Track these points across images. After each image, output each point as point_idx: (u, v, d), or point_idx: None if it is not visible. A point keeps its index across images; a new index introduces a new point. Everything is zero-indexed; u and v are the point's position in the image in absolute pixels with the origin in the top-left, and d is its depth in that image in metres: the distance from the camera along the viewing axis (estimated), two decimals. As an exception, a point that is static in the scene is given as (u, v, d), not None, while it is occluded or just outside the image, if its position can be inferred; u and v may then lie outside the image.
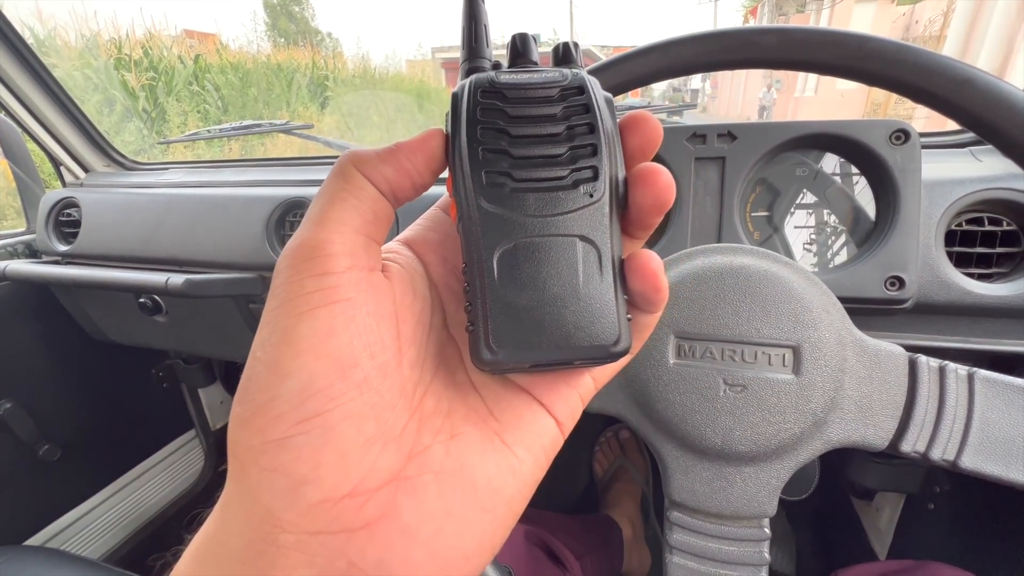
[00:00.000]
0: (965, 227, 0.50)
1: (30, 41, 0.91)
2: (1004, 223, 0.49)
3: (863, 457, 0.82)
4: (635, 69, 0.39)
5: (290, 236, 0.79)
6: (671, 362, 0.35)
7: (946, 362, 0.32)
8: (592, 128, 0.18)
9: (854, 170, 0.50)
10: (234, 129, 1.05)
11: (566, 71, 0.19)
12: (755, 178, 0.53)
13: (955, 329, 0.51)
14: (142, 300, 0.87)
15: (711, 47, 0.37)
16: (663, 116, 0.90)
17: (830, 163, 0.51)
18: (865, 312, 0.48)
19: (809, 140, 0.50)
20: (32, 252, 0.99)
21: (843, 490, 1.00)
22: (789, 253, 0.52)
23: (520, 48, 0.21)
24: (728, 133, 0.51)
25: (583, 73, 0.19)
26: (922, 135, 0.48)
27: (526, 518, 0.20)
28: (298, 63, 6.74)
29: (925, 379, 0.32)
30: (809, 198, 0.52)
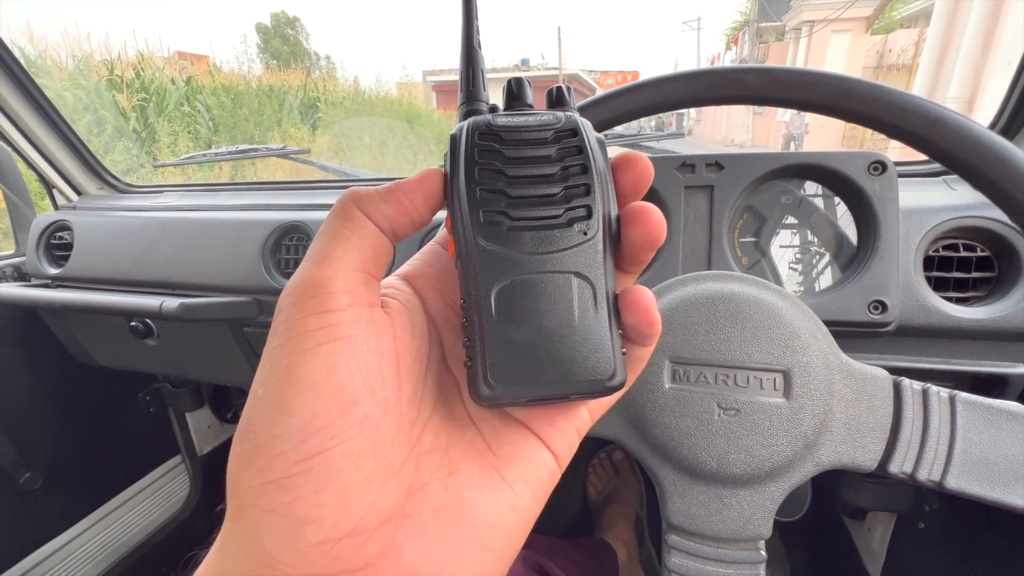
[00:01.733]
0: (942, 253, 0.52)
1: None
2: (978, 249, 0.52)
3: (854, 477, 0.83)
4: (626, 104, 0.41)
5: (285, 260, 0.79)
6: (666, 386, 0.36)
7: (928, 384, 0.33)
8: (585, 168, 0.19)
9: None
10: (231, 153, 1.06)
11: (560, 114, 0.20)
12: (742, 205, 0.55)
13: (935, 351, 0.53)
14: (133, 323, 0.86)
15: (699, 84, 0.39)
16: (653, 144, 0.93)
17: (812, 186, 0.53)
18: (849, 335, 0.50)
19: (792, 170, 0.53)
20: (21, 275, 0.98)
21: (835, 510, 1.01)
22: (776, 277, 0.54)
23: (516, 91, 0.22)
24: (716, 163, 0.53)
25: (576, 116, 0.20)
26: (898, 164, 0.50)
27: None
28: (290, 84, 6.80)
29: (909, 401, 0.33)
30: (793, 223, 0.54)
